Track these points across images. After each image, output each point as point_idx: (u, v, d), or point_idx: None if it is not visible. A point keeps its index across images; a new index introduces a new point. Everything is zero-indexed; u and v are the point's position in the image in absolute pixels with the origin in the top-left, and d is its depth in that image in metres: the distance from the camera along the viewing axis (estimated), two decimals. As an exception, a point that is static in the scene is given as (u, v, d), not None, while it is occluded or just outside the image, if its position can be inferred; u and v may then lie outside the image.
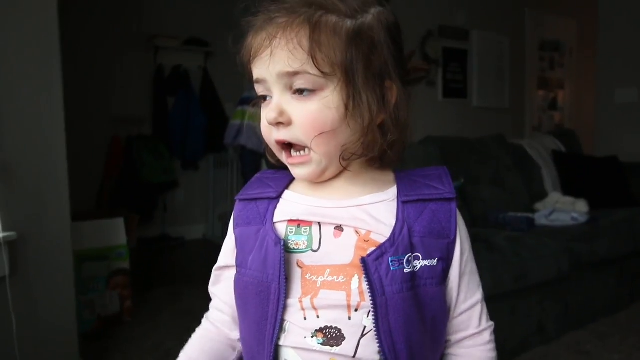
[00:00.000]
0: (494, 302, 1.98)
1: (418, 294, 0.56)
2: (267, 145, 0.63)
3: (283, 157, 0.60)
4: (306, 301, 0.57)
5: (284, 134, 0.57)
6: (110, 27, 3.97)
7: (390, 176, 0.64)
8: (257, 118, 0.63)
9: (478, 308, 0.63)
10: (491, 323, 0.65)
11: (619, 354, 2.05)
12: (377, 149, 0.57)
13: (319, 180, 0.60)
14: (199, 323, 0.72)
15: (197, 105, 4.31)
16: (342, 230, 0.58)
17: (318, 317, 0.56)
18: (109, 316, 2.38)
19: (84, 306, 2.29)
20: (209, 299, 0.72)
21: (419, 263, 0.57)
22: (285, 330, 0.57)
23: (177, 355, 0.72)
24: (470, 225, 2.30)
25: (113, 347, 2.18)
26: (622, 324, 2.37)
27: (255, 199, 0.64)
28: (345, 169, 0.59)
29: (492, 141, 2.99)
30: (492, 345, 0.64)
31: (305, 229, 0.59)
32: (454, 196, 0.60)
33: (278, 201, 0.63)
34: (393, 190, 0.61)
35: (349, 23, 0.55)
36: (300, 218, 0.60)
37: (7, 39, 1.61)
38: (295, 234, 0.59)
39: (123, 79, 4.07)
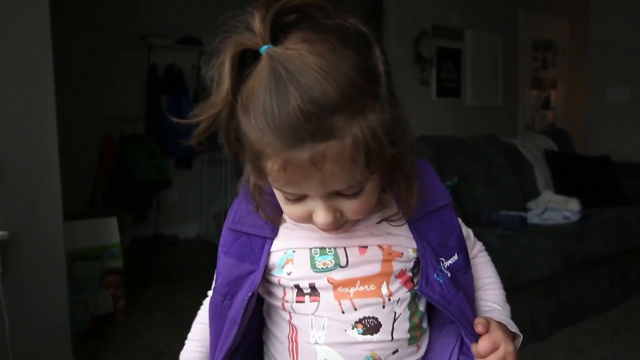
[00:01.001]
0: (486, 300, 1.98)
1: (460, 284, 0.63)
2: (259, 204, 0.60)
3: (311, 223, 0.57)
4: (343, 300, 0.60)
5: (334, 226, 0.55)
6: (104, 26, 3.95)
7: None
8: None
9: (474, 241, 0.76)
10: (480, 244, 0.78)
11: (610, 351, 2.07)
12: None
13: None
14: (192, 322, 0.72)
15: (191, 103, 4.30)
16: (367, 247, 0.61)
17: (355, 309, 0.60)
18: (102, 315, 2.38)
19: (77, 306, 2.28)
20: (206, 296, 0.73)
21: (447, 264, 0.62)
22: (323, 327, 0.60)
23: (170, 353, 0.72)
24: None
25: (106, 347, 2.17)
26: (614, 321, 2.39)
27: (249, 234, 0.62)
28: None
29: (485, 140, 3.00)
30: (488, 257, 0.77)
31: (330, 249, 0.60)
32: (449, 201, 0.65)
33: (272, 240, 0.62)
34: (394, 204, 0.62)
35: (379, 108, 0.49)
36: (324, 245, 0.60)
37: (-1, 37, 1.60)
38: (321, 255, 0.60)
39: (116, 78, 4.05)
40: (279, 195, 0.56)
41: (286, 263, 0.61)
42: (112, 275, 2.41)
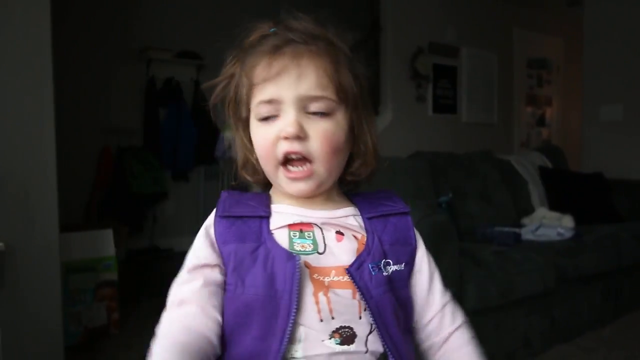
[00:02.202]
0: (480, 316, 2.00)
1: (396, 296, 0.63)
2: (244, 164, 0.68)
3: (280, 173, 0.63)
4: (321, 298, 0.59)
5: (297, 147, 0.60)
6: (103, 39, 3.99)
7: (347, 199, 0.70)
8: (240, 139, 0.68)
9: (449, 306, 0.70)
10: (464, 319, 0.70)
11: (604, 369, 2.08)
12: (373, 171, 0.66)
13: (311, 195, 0.64)
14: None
15: (189, 117, 4.32)
16: (343, 235, 0.63)
17: (333, 318, 0.59)
18: (96, 328, 2.37)
19: (71, 318, 2.27)
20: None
21: (391, 268, 0.63)
22: (300, 340, 0.58)
23: None
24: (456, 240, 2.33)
25: (99, 360, 2.16)
26: (607, 338, 2.39)
27: (242, 217, 0.64)
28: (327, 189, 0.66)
29: (480, 156, 3.03)
30: (470, 334, 0.70)
31: (308, 234, 0.62)
32: (408, 210, 0.69)
33: (268, 220, 0.64)
34: (357, 209, 0.68)
35: (349, 61, 0.63)
36: (302, 221, 0.63)
37: None
38: (300, 238, 0.62)
39: (115, 91, 4.08)
40: (256, 127, 0.63)
41: None
42: (106, 287, 2.41)
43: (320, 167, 0.61)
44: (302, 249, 0.61)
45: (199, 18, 4.39)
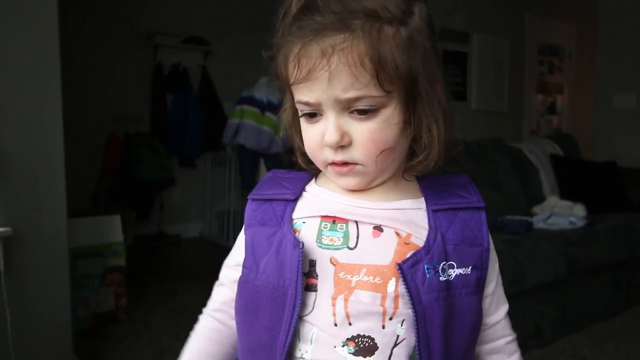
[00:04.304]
0: (490, 305, 1.97)
1: (453, 304, 0.54)
2: (297, 150, 0.61)
3: (328, 169, 0.57)
4: (339, 301, 0.54)
5: (342, 156, 0.54)
6: (110, 25, 3.96)
7: (416, 184, 0.61)
8: (284, 125, 0.62)
9: (507, 318, 0.64)
10: (515, 335, 0.65)
11: (615, 359, 2.05)
12: (442, 160, 0.56)
13: (365, 189, 0.58)
14: (194, 321, 0.68)
15: (196, 103, 4.30)
16: (382, 231, 0.56)
17: (350, 324, 0.53)
18: (104, 313, 2.37)
19: (79, 303, 2.28)
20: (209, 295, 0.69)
21: (454, 272, 0.55)
22: (312, 342, 0.54)
23: (171, 352, 0.69)
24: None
25: (107, 345, 2.17)
26: (618, 329, 2.37)
27: (271, 200, 0.61)
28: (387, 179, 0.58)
29: (491, 144, 2.99)
30: (519, 354, 0.65)
31: (341, 226, 0.56)
32: (483, 205, 0.59)
33: (295, 203, 0.60)
34: (423, 199, 0.59)
35: (403, 32, 0.52)
36: (337, 215, 0.57)
37: (6, 36, 1.60)
38: (330, 230, 0.56)
39: (122, 77, 4.06)
40: (302, 123, 0.57)
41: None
42: (114, 273, 2.41)
43: (369, 168, 0.54)
44: (330, 243, 0.55)
45: (206, 3, 4.34)
